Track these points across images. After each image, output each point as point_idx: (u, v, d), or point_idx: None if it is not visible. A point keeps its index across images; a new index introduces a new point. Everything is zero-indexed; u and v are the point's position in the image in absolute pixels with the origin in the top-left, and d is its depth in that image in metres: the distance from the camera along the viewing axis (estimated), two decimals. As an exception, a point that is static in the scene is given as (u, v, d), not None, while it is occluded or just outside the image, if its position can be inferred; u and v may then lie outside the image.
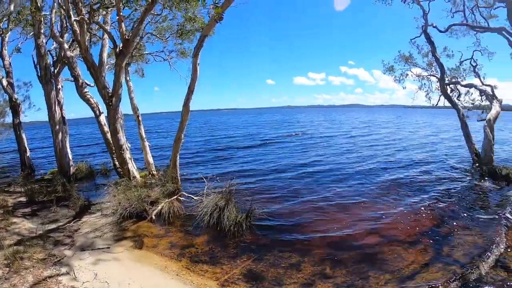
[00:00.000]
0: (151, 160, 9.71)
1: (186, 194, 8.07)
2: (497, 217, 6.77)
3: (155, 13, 9.49)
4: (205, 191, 7.99)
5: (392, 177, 11.08)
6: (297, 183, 10.57)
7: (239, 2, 9.01)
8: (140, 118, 9.47)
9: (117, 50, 8.47)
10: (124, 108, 10.02)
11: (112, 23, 9.63)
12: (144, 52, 10.14)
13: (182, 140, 9.33)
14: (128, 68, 9.10)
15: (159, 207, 7.23)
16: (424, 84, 14.93)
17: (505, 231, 5.98)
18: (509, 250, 5.30)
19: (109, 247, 5.64)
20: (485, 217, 6.87)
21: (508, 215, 6.76)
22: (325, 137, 26.39)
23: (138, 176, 8.59)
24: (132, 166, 8.41)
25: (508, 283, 4.34)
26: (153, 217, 6.94)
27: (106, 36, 9.02)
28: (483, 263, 4.83)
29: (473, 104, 13.39)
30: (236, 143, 22.34)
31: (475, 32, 13.18)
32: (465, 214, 7.10)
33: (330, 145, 21.07)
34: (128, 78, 9.14)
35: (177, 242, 5.98)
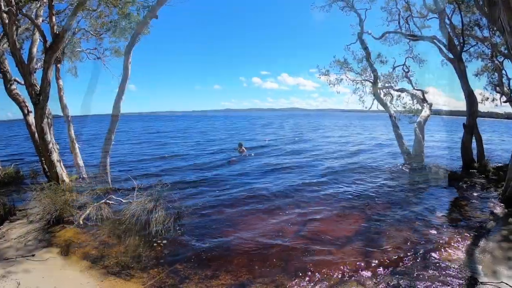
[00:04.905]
0: (81, 163, 9.66)
1: (115, 198, 8.34)
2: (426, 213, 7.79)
3: (91, 9, 9.31)
4: (135, 193, 8.21)
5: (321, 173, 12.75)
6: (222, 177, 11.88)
7: (176, 1, 9.45)
8: (70, 118, 9.30)
9: (47, 45, 8.23)
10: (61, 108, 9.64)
11: (46, 18, 9.14)
12: (77, 49, 9.84)
13: (112, 142, 9.43)
14: (59, 65, 8.86)
15: (87, 212, 7.42)
16: (358, 88, 15.72)
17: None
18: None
19: (33, 255, 5.74)
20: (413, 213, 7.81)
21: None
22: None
23: (67, 179, 8.54)
24: (60, 169, 8.34)
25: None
26: (81, 222, 7.14)
27: (37, 31, 8.61)
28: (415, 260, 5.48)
29: (404, 108, 14.65)
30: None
31: (408, 40, 14.42)
32: (393, 211, 7.93)
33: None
34: (59, 76, 8.91)
35: (104, 247, 6.23)
